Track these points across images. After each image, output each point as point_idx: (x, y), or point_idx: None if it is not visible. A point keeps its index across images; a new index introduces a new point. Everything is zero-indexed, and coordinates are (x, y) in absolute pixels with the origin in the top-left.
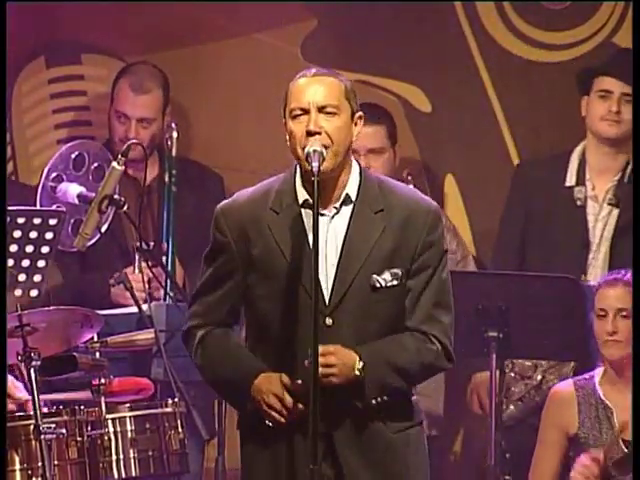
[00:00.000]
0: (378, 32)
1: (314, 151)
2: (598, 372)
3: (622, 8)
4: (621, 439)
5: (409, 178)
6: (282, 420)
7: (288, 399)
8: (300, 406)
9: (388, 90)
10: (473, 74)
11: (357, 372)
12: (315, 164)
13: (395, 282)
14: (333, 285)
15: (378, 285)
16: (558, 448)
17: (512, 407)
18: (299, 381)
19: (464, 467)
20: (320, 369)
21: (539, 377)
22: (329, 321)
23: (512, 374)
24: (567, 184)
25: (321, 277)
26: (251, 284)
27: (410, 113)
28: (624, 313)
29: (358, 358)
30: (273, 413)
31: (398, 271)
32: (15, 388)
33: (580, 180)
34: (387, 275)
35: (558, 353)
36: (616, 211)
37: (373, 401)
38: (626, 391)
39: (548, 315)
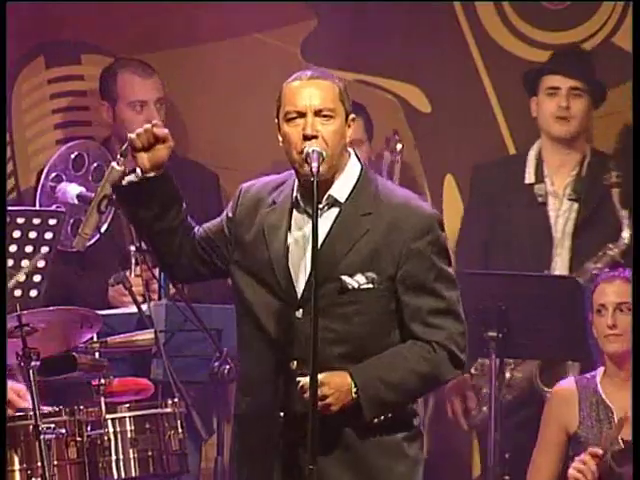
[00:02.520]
0: (378, 32)
1: (313, 151)
2: (599, 372)
3: (622, 8)
4: (620, 438)
5: (396, 137)
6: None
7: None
8: None
9: (388, 90)
10: (473, 74)
11: (354, 394)
12: (315, 164)
13: (370, 285)
14: (307, 281)
15: (350, 287)
16: (558, 447)
17: (485, 409)
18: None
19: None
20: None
21: (507, 375)
22: (299, 314)
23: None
24: (526, 181)
25: (300, 271)
26: (238, 262)
27: (410, 113)
28: (623, 307)
29: (352, 380)
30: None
31: (374, 275)
32: (20, 398)
33: (539, 178)
34: (360, 277)
35: (558, 353)
36: (576, 205)
37: (375, 420)
38: (626, 388)
39: (548, 315)
